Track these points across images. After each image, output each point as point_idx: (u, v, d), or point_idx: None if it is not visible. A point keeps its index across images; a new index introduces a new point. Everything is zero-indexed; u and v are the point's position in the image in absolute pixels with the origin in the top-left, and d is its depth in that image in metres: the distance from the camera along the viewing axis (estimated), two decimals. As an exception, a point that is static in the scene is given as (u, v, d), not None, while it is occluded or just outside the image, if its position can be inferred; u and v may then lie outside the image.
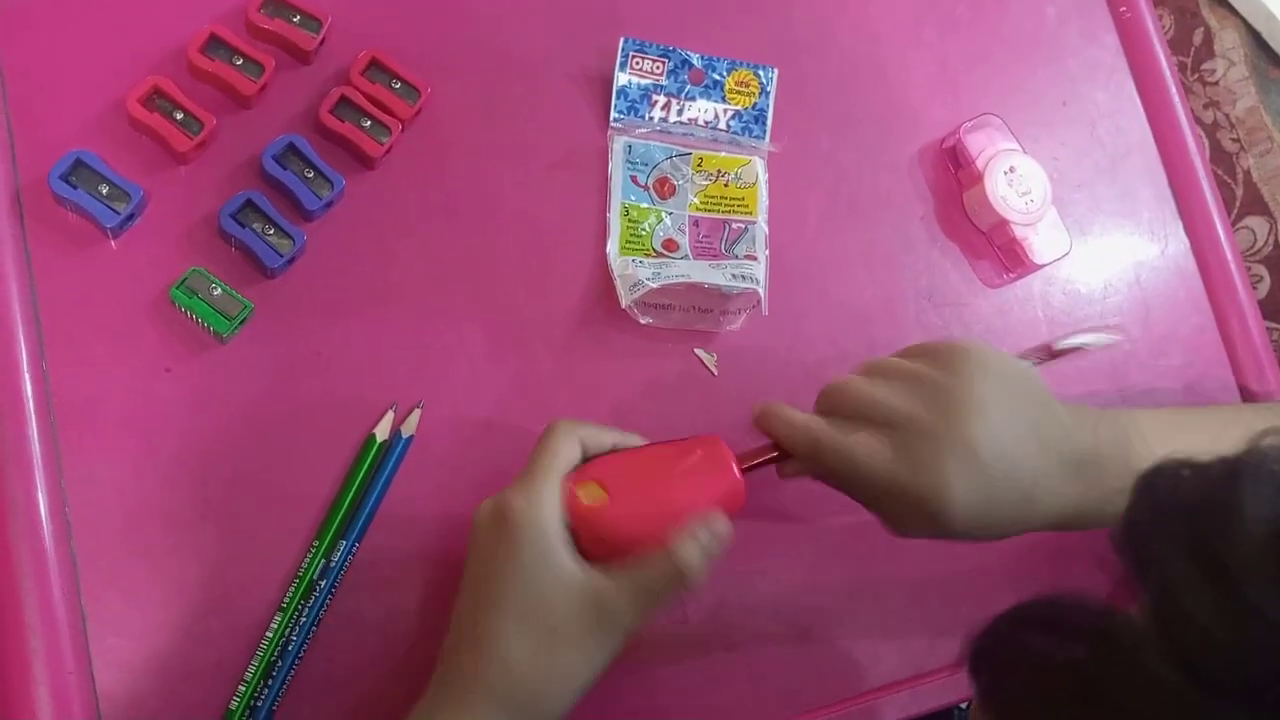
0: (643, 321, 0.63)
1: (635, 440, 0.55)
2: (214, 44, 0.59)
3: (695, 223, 0.66)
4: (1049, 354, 0.61)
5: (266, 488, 0.56)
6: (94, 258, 0.56)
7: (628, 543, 0.50)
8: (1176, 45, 1.36)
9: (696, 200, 0.67)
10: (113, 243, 0.56)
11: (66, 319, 0.55)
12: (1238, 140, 1.38)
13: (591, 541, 0.50)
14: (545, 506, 0.49)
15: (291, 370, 0.57)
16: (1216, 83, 1.38)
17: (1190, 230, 0.79)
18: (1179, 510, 0.34)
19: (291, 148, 0.58)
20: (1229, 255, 0.80)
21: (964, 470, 0.50)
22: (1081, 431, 0.55)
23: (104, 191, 0.55)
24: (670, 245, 0.65)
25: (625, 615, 0.49)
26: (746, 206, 0.68)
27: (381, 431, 0.57)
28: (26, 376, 0.53)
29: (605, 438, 0.54)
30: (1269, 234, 1.35)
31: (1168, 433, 0.59)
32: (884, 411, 0.52)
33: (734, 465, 0.54)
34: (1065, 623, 0.36)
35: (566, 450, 0.52)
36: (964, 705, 0.86)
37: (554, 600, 0.48)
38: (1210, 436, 0.57)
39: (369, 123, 0.60)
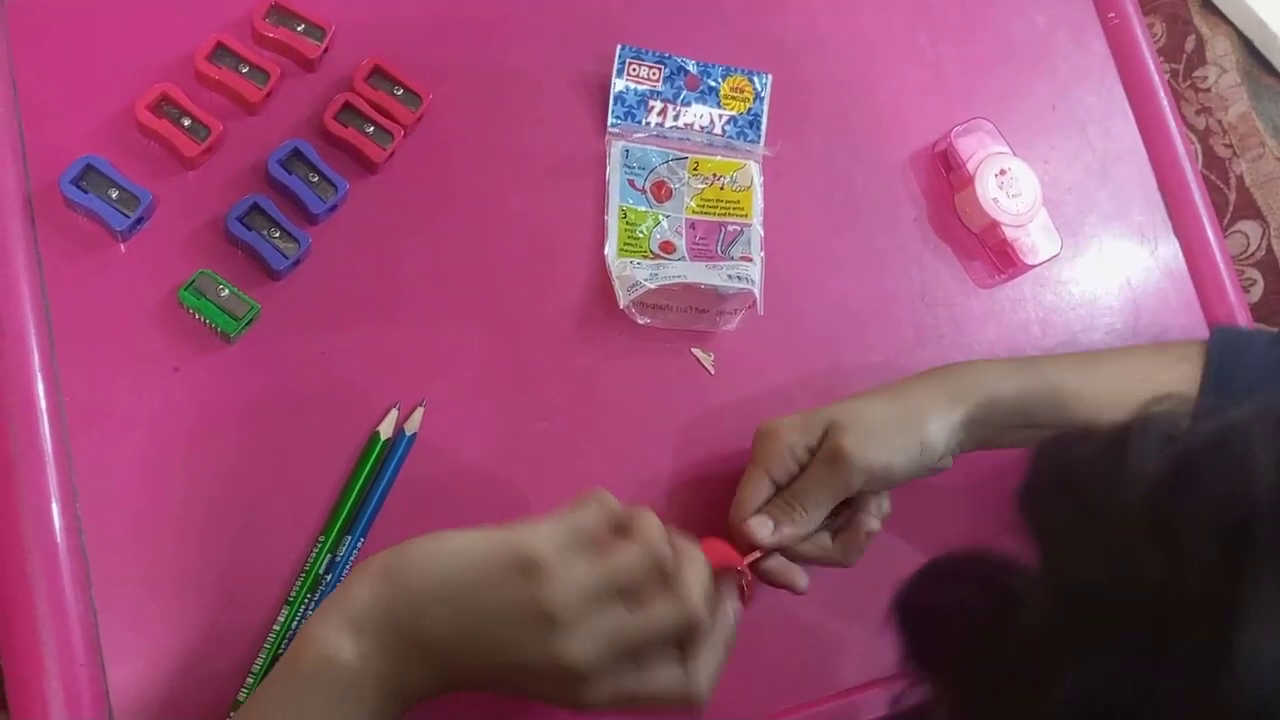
0: (640, 322, 0.65)
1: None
2: (220, 52, 0.60)
3: (692, 225, 0.68)
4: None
5: (273, 484, 0.57)
6: (104, 261, 0.57)
7: None
8: (1168, 52, 1.38)
9: (693, 203, 0.68)
10: (122, 246, 0.58)
11: (77, 321, 0.56)
12: (1230, 146, 1.39)
13: None
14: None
15: (297, 370, 0.59)
16: (1209, 89, 1.39)
17: (1180, 232, 0.80)
18: (1069, 473, 0.36)
19: (296, 153, 0.60)
20: (1219, 257, 0.81)
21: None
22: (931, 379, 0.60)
23: (114, 196, 0.56)
24: (667, 247, 0.67)
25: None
26: (742, 209, 0.69)
27: (385, 429, 0.59)
28: (38, 377, 0.54)
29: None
30: (1262, 238, 1.37)
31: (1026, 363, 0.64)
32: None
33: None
34: (973, 574, 0.38)
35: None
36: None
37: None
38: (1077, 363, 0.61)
39: (372, 128, 0.61)
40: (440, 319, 0.62)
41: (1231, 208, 1.37)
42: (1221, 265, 0.80)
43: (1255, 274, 1.34)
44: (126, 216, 0.56)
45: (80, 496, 0.54)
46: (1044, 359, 0.67)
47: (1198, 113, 1.38)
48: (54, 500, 0.53)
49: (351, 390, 0.59)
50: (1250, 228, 1.37)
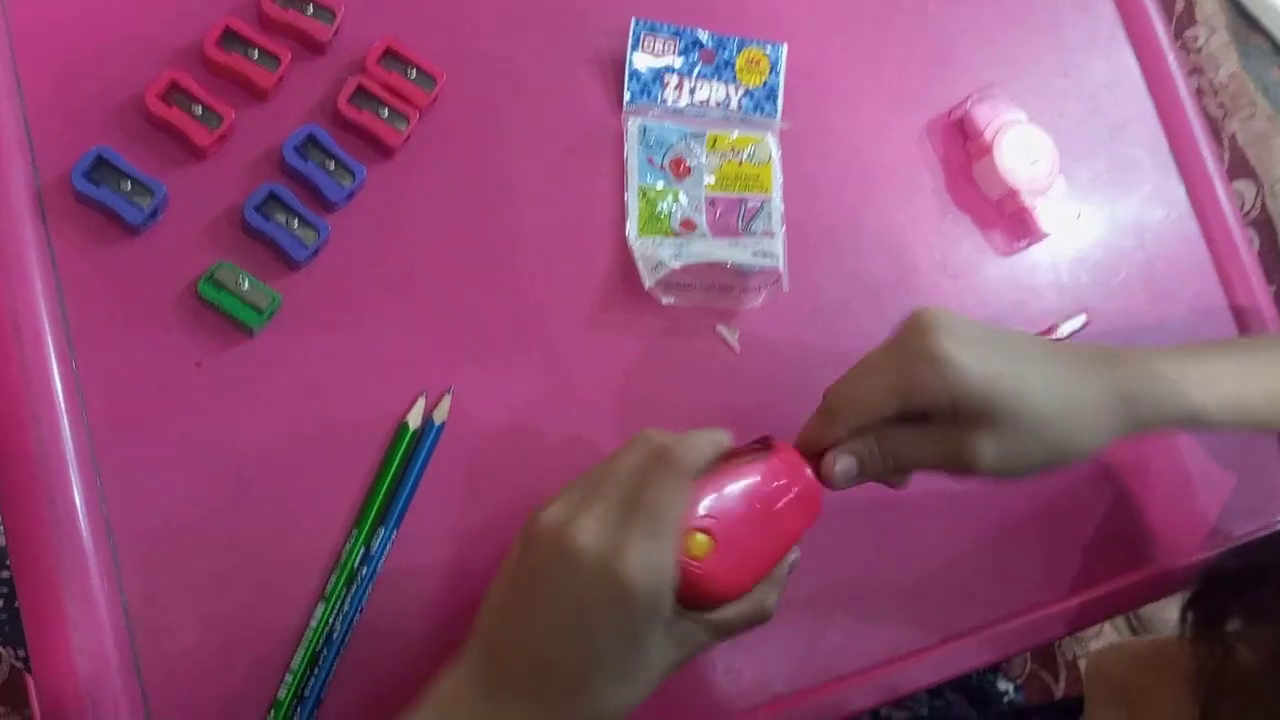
0: (665, 301, 0.64)
1: (723, 440, 0.51)
2: (229, 37, 0.58)
3: (712, 202, 0.67)
4: None
5: (303, 478, 0.56)
6: (119, 255, 0.56)
7: (730, 597, 0.50)
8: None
9: (712, 179, 0.67)
10: (137, 239, 0.56)
11: (94, 318, 0.54)
12: (1222, 106, 1.40)
13: (692, 593, 0.48)
14: (666, 574, 0.46)
15: (321, 360, 0.57)
16: (1199, 50, 1.40)
17: (1192, 194, 0.80)
18: None
19: (311, 139, 0.58)
20: (1229, 217, 0.81)
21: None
22: (1101, 376, 0.55)
23: (127, 188, 0.55)
24: (688, 225, 0.66)
25: (698, 647, 0.49)
26: (761, 184, 0.68)
27: (413, 419, 0.58)
28: (56, 377, 0.53)
29: (710, 455, 0.50)
30: (1256, 197, 1.37)
31: (1186, 363, 0.59)
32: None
33: (820, 494, 0.53)
34: None
35: (685, 497, 0.48)
36: (992, 676, 0.88)
37: (651, 649, 0.47)
38: (1234, 364, 0.58)
39: (387, 112, 0.60)
40: (463, 304, 0.61)
41: (1225, 167, 1.38)
42: (1233, 224, 0.80)
43: (1251, 232, 1.35)
44: (141, 209, 0.55)
45: (107, 498, 0.53)
46: (1187, 354, 0.60)
47: (1189, 74, 1.38)
48: (79, 503, 0.52)
49: (377, 379, 0.58)
50: (1244, 186, 1.38)
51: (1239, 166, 1.35)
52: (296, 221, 0.57)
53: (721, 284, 0.65)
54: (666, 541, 0.46)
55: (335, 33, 0.60)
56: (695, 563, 0.48)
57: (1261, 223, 1.32)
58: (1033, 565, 0.68)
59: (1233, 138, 1.36)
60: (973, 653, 0.65)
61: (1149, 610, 1.18)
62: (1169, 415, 0.55)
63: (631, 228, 0.64)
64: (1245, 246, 0.80)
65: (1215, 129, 1.35)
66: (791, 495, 0.51)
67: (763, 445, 0.53)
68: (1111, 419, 0.54)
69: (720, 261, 0.63)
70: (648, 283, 0.62)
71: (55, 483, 0.52)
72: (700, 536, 0.48)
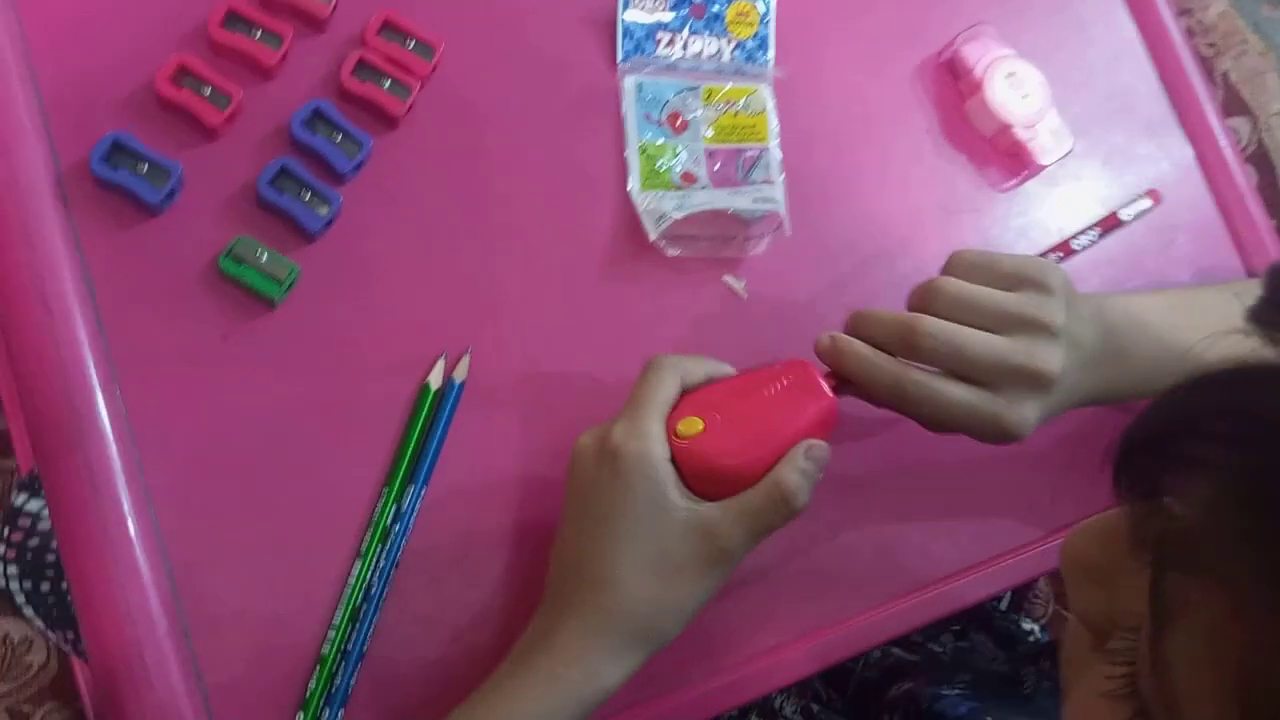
0: (670, 253, 0.65)
1: (728, 370, 0.57)
2: (232, 18, 0.60)
3: (710, 154, 0.68)
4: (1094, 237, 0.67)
5: (332, 441, 0.57)
6: (140, 235, 0.57)
7: (729, 472, 0.52)
8: (1145, -45, 1.38)
9: (710, 132, 0.68)
10: (157, 219, 0.58)
11: (121, 296, 0.56)
12: (1213, 45, 1.40)
13: (694, 475, 0.52)
14: (653, 443, 0.51)
15: (342, 328, 0.59)
16: (1187, -10, 1.40)
17: (1185, 123, 0.81)
18: None
19: (318, 113, 0.60)
20: (1225, 146, 0.82)
21: (1046, 408, 0.57)
22: (1093, 327, 0.59)
23: (144, 170, 0.57)
24: (689, 178, 0.67)
25: (736, 543, 0.51)
26: (758, 133, 0.69)
27: (435, 379, 0.59)
28: (89, 355, 0.55)
29: (700, 370, 0.55)
30: (1252, 133, 1.38)
31: (1169, 315, 0.62)
32: (981, 369, 0.55)
33: (825, 386, 0.56)
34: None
35: (668, 386, 0.53)
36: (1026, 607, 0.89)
37: (669, 535, 0.50)
38: (1218, 316, 0.60)
39: (389, 82, 0.62)
40: (475, 266, 0.62)
41: (1220, 105, 1.38)
42: (1228, 153, 0.81)
43: (1249, 168, 1.35)
44: (159, 189, 0.57)
45: (144, 467, 0.54)
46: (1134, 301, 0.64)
47: (1179, 15, 1.39)
48: (119, 473, 0.54)
49: (397, 343, 0.60)
50: (1240, 124, 1.38)
51: (1234, 104, 1.35)
52: (309, 194, 0.59)
53: (725, 233, 0.66)
54: (647, 416, 0.51)
55: (334, 9, 0.62)
56: (688, 440, 0.52)
57: (1259, 157, 1.33)
58: (1051, 488, 0.69)
59: (1225, 76, 1.37)
60: (997, 577, 0.66)
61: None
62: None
63: (634, 183, 0.66)
64: (1240, 170, 0.81)
65: (1208, 68, 1.35)
66: (792, 385, 0.55)
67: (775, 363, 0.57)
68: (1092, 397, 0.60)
69: (722, 210, 0.64)
70: (652, 235, 0.64)
71: (94, 456, 0.53)
72: (692, 418, 0.52)
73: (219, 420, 0.56)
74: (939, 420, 0.56)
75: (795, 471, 0.52)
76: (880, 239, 0.70)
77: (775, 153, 0.69)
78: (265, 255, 0.57)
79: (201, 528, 0.55)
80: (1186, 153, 0.80)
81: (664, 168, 0.67)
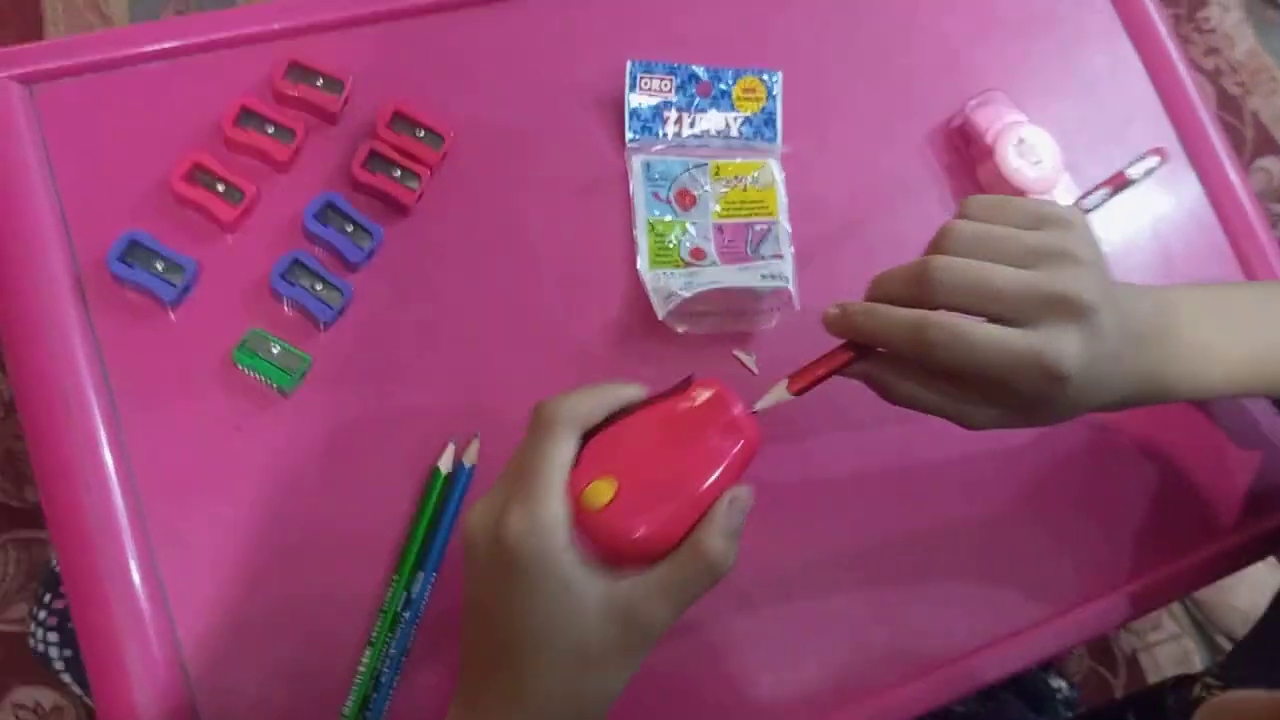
0: (680, 330, 0.66)
1: (632, 394, 0.50)
2: (245, 115, 0.62)
3: (719, 229, 0.69)
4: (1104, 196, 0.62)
5: (344, 528, 0.58)
6: (156, 330, 0.59)
7: (645, 545, 0.47)
8: (1169, -2, 1.38)
9: (718, 207, 0.69)
10: (172, 314, 0.59)
11: (137, 390, 0.58)
12: (1241, 84, 1.39)
13: (606, 550, 0.47)
14: (553, 534, 0.44)
15: (353, 415, 0.60)
16: (1213, 29, 1.39)
17: (1204, 178, 0.80)
18: None
19: (330, 205, 0.61)
20: (1243, 197, 0.81)
21: (1088, 345, 0.50)
22: (1140, 304, 0.54)
23: (160, 268, 0.58)
24: (698, 254, 0.68)
25: (658, 621, 0.46)
26: (766, 208, 0.70)
27: (444, 464, 0.60)
28: (106, 449, 0.56)
29: (600, 407, 0.48)
30: (1284, 172, 1.36)
31: (1221, 302, 0.60)
32: (1009, 302, 0.49)
33: (742, 412, 0.49)
34: None
35: (564, 448, 0.46)
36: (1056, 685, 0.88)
37: (583, 628, 0.45)
38: (1254, 314, 0.59)
39: (399, 172, 0.63)
40: (485, 349, 0.63)
41: (1251, 146, 1.37)
42: (1247, 204, 0.80)
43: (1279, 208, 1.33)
44: (174, 286, 0.58)
45: (159, 560, 0.55)
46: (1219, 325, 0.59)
47: (1205, 54, 1.38)
48: (133, 564, 0.55)
49: (407, 429, 0.60)
50: (1272, 163, 1.37)
51: (1264, 144, 1.34)
52: (320, 285, 0.60)
53: (734, 309, 0.66)
54: (545, 495, 0.44)
55: (345, 102, 0.63)
56: (594, 513, 0.45)
57: (1293, 198, 1.30)
58: (1073, 556, 0.69)
59: (1255, 115, 1.35)
60: (1022, 652, 0.66)
61: (1209, 596, 1.17)
62: (1181, 396, 0.56)
63: (642, 261, 0.66)
64: (1262, 225, 0.80)
65: (1237, 107, 1.34)
66: (707, 419, 0.48)
67: (684, 383, 0.50)
68: (1121, 397, 0.54)
69: (731, 287, 0.64)
70: (661, 313, 0.64)
71: (109, 549, 0.55)
72: (600, 484, 0.46)
73: (233, 509, 0.57)
74: (971, 367, 0.49)
75: (719, 535, 0.46)
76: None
77: (784, 226, 0.69)
78: (278, 347, 0.59)
79: (216, 620, 0.56)
80: (1205, 207, 0.80)
81: (672, 243, 0.67)
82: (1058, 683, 0.84)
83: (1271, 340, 0.58)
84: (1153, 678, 1.17)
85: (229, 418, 0.58)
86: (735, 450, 0.48)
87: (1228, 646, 1.20)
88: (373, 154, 0.63)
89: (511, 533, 0.44)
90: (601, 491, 0.46)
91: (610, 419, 0.48)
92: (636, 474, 0.47)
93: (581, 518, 0.46)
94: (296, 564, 0.57)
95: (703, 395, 0.49)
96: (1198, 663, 1.20)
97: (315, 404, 0.60)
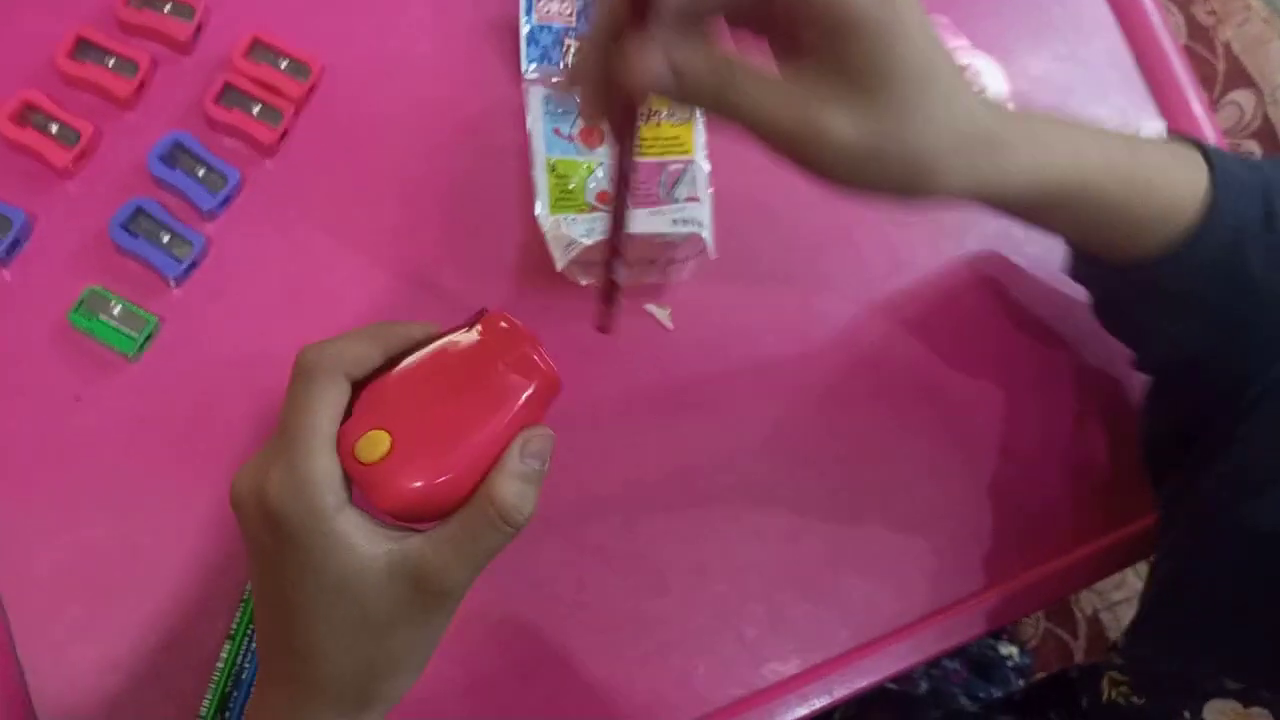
0: (583, 283, 0.59)
1: (414, 332, 0.43)
2: (83, 47, 0.55)
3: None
4: None
5: (202, 509, 0.52)
6: (-18, 290, 0.52)
7: (430, 499, 0.41)
8: (1137, -78, 1.30)
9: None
10: (3, 273, 0.53)
11: (-39, 360, 0.51)
12: (1213, 13, 1.32)
13: (388, 507, 0.41)
14: (322, 494, 0.39)
15: (213, 381, 0.54)
16: (1185, -44, 1.32)
17: (1166, 111, 0.74)
18: None
19: (179, 146, 0.55)
20: (1210, 133, 0.75)
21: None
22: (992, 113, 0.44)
23: (-18, 219, 0.51)
24: (604, 198, 0.61)
25: (453, 581, 0.41)
26: (682, 145, 0.63)
27: (315, 435, 0.54)
28: (-72, 426, 0.50)
29: (371, 354, 0.42)
30: (1255, 107, 1.30)
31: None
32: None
33: (534, 347, 0.44)
34: None
35: (331, 399, 0.40)
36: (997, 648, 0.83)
37: (368, 593, 0.40)
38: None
39: (258, 108, 0.56)
40: (363, 307, 0.57)
41: (1221, 78, 1.30)
42: (1212, 139, 0.74)
43: (1253, 145, 1.27)
44: (0, 241, 0.51)
45: (-12, 550, 0.49)
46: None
47: (1175, -18, 1.31)
48: (-40, 558, 0.49)
49: (269, 398, 0.54)
50: (1243, 97, 1.30)
51: (1236, 76, 1.27)
52: (168, 236, 0.53)
53: (644, 258, 0.60)
54: (309, 451, 0.39)
55: (197, 29, 0.56)
56: (369, 467, 0.40)
57: (1264, 134, 1.24)
58: (1026, 525, 0.63)
59: (1227, 46, 1.29)
60: (964, 625, 0.60)
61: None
62: (1031, 170, 0.46)
63: (541, 206, 0.60)
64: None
65: (1208, 38, 1.27)
66: (501, 363, 0.42)
67: (475, 320, 0.44)
68: (978, 146, 0.43)
69: (640, 234, 0.58)
70: (560, 264, 0.58)
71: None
72: (373, 435, 0.40)
73: (74, 489, 0.51)
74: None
75: (512, 480, 0.41)
76: (815, 257, 0.64)
77: (702, 166, 0.63)
78: (119, 307, 0.52)
79: (55, 614, 0.50)
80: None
81: (576, 186, 0.61)
82: (1008, 649, 0.80)
83: (1132, 147, 0.49)
84: (1113, 636, 1.14)
85: (66, 386, 0.52)
86: (529, 390, 0.42)
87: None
88: (228, 87, 0.56)
89: (274, 495, 0.39)
90: (376, 443, 0.40)
91: (391, 363, 0.42)
92: (415, 421, 0.41)
93: (356, 473, 0.40)
94: (147, 550, 0.51)
95: (492, 330, 0.43)
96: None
97: (165, 370, 0.53)
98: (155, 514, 0.52)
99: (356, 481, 0.40)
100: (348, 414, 0.41)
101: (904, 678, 0.76)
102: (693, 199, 0.62)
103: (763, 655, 0.57)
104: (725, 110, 0.42)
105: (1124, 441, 0.64)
